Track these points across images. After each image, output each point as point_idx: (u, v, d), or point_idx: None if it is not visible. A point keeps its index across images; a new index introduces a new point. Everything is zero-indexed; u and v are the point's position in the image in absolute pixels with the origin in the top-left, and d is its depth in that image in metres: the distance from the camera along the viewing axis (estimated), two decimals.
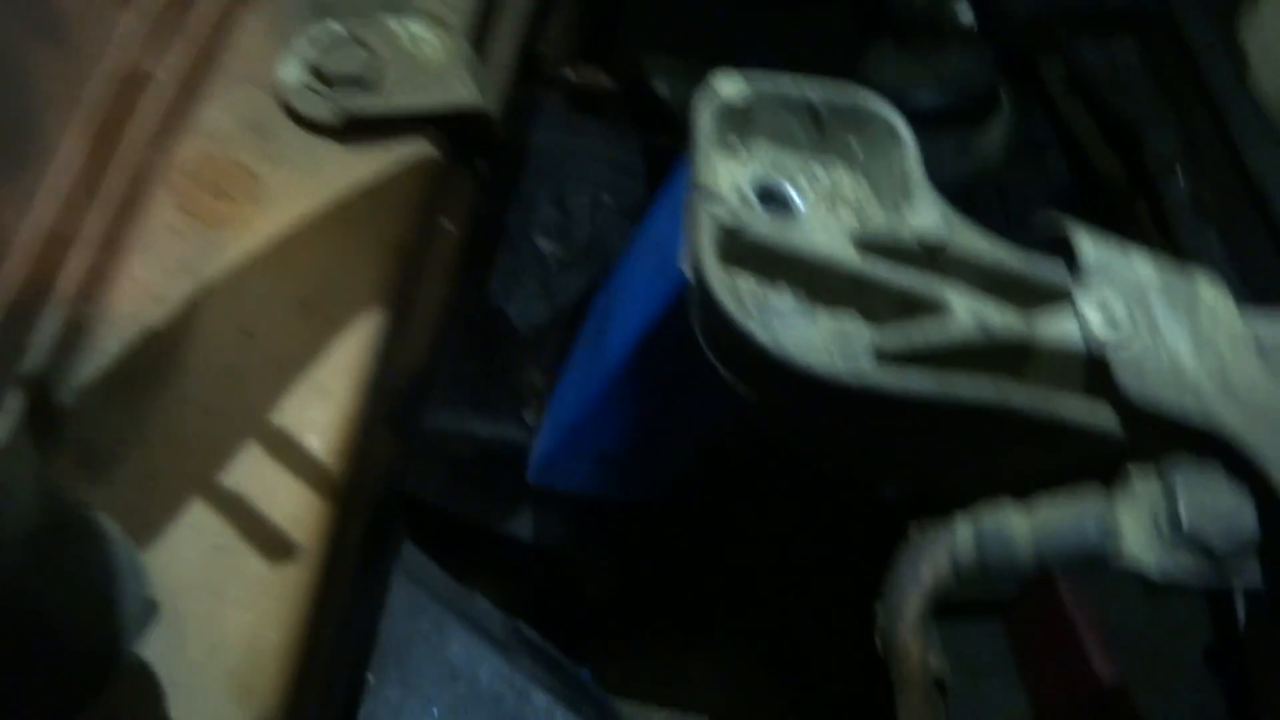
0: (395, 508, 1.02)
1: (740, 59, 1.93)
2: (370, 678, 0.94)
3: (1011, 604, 1.64)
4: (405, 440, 1.01)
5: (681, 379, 0.86)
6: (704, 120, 0.75)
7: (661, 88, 1.81)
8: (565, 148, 1.44)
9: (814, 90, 0.78)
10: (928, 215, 0.72)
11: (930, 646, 0.70)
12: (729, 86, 0.77)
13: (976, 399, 0.62)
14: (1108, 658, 1.46)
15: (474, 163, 0.94)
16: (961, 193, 1.78)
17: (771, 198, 0.83)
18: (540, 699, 0.98)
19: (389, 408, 0.84)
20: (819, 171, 0.83)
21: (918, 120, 1.72)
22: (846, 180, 0.83)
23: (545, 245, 1.33)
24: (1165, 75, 1.56)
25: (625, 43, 2.04)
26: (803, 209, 0.81)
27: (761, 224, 0.69)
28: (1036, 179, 1.79)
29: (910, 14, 1.66)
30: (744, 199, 0.71)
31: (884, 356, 0.63)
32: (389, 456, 0.87)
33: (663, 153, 1.91)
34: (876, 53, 1.73)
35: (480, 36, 0.98)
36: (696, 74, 1.81)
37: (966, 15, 1.65)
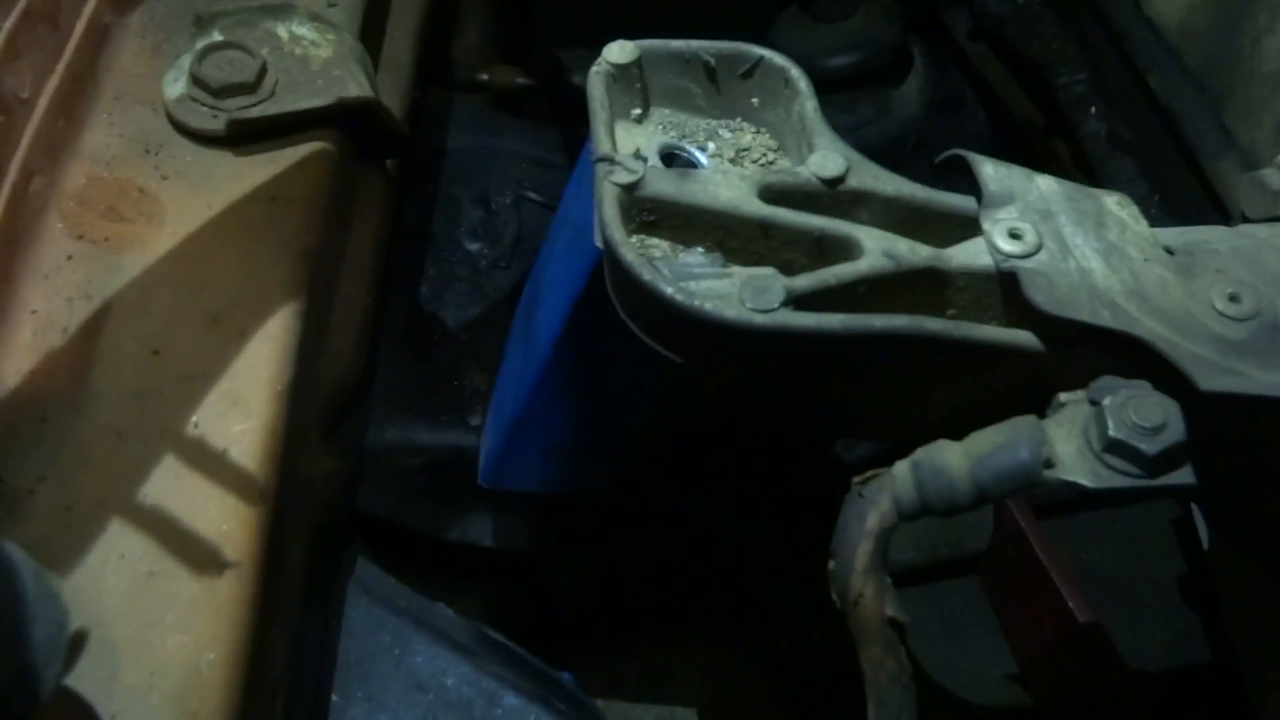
0: (341, 523, 1.01)
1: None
2: (335, 698, 0.92)
3: (986, 559, 1.66)
4: (346, 453, 0.99)
5: (612, 354, 0.86)
6: (598, 90, 0.74)
7: (578, 79, 1.81)
8: (486, 149, 1.43)
9: (701, 45, 0.78)
10: (829, 156, 0.72)
11: (884, 591, 0.70)
12: (617, 51, 0.77)
13: (892, 328, 0.62)
14: (1082, 599, 1.48)
15: (380, 160, 0.93)
16: (885, 151, 1.81)
17: (676, 161, 0.83)
18: (511, 700, 0.96)
19: (317, 416, 0.82)
20: (723, 132, 0.83)
21: (834, 85, 1.75)
22: (750, 136, 0.83)
23: (473, 246, 1.32)
24: (1068, 12, 1.58)
25: (541, 41, 2.03)
26: (707, 167, 0.81)
27: (662, 182, 0.69)
28: (957, 131, 1.81)
29: None
30: (646, 159, 0.70)
31: (799, 300, 0.63)
32: (326, 469, 0.86)
33: (585, 141, 1.92)
34: (786, 22, 1.74)
35: (372, 36, 0.97)
36: None
37: None
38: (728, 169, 0.70)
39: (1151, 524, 1.64)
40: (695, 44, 0.79)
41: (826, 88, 1.79)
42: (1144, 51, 1.34)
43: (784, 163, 0.82)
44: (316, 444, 0.82)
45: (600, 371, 0.92)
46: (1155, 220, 1.44)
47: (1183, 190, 1.34)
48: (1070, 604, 1.48)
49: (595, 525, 1.32)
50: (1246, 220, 1.00)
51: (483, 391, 1.20)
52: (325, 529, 0.86)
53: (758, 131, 0.83)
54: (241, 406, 0.68)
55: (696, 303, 0.62)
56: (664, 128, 0.82)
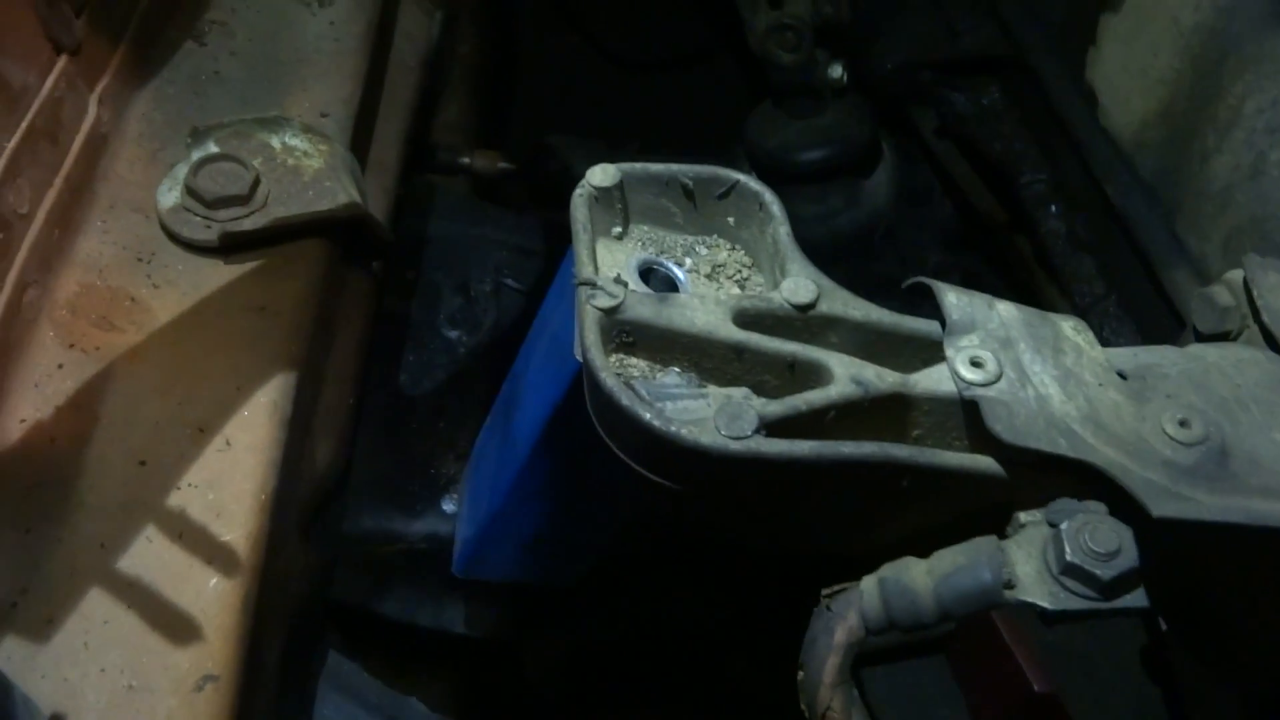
0: (317, 619, 1.01)
1: (632, 132, 1.98)
2: None
3: (953, 638, 1.68)
4: (323, 548, 1.00)
5: (589, 460, 0.88)
6: (580, 212, 0.78)
7: (556, 164, 1.86)
8: (467, 237, 1.46)
9: (680, 169, 0.82)
10: (800, 282, 0.75)
11: (851, 704, 0.72)
12: (599, 175, 0.80)
13: (860, 456, 0.65)
14: (1041, 671, 1.50)
15: (367, 263, 0.96)
16: (855, 241, 1.86)
17: (655, 278, 0.86)
18: None
19: (297, 517, 0.83)
20: (700, 248, 0.87)
21: (806, 177, 1.81)
22: (726, 253, 0.86)
23: (452, 334, 1.34)
24: (1028, 115, 1.65)
25: (520, 126, 2.08)
26: (685, 284, 0.84)
27: (641, 306, 0.72)
28: (924, 222, 1.87)
29: (785, 77, 1.73)
30: (627, 284, 0.73)
31: (771, 425, 0.66)
32: (304, 566, 0.87)
33: (564, 229, 1.96)
34: (760, 117, 1.80)
35: (361, 141, 1.00)
36: (591, 149, 1.87)
37: (838, 73, 1.73)
38: (704, 293, 0.73)
39: None
40: (675, 168, 0.82)
41: (799, 179, 1.86)
42: (1100, 160, 1.40)
43: (757, 278, 0.85)
44: (295, 543, 0.83)
45: (577, 473, 0.94)
46: (1111, 320, 1.50)
47: (1138, 292, 1.39)
48: (1029, 674, 1.50)
49: (566, 611, 1.33)
50: (1197, 332, 1.05)
51: (458, 479, 1.21)
52: (301, 624, 0.87)
53: (733, 248, 0.87)
54: (226, 518, 0.69)
55: (674, 429, 0.65)
56: (643, 244, 0.85)
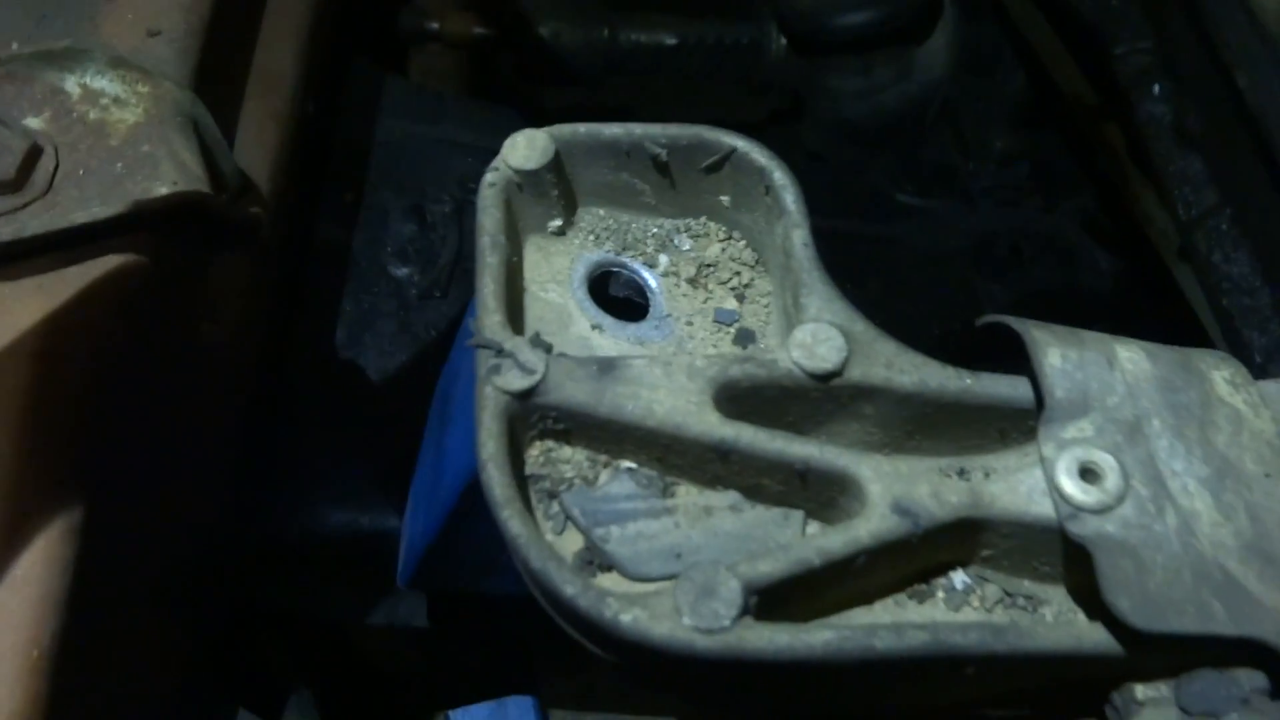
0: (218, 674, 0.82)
1: None
2: None
3: None
4: (214, 606, 0.81)
5: None
6: (489, 216, 0.51)
7: (545, 30, 1.54)
8: (421, 140, 1.18)
9: (645, 133, 0.55)
10: (820, 334, 0.49)
11: None
12: (521, 149, 0.54)
13: (903, 650, 0.42)
14: None
15: (235, 241, 0.71)
16: (904, 120, 1.54)
17: (616, 283, 0.60)
18: None
19: (149, 598, 0.63)
20: (680, 238, 0.60)
21: (848, 45, 1.48)
22: (718, 246, 0.60)
23: (401, 271, 1.09)
24: None
25: None
26: (658, 296, 0.58)
27: (572, 384, 0.47)
28: (990, 97, 1.54)
29: None
30: (563, 311, 0.48)
31: (764, 595, 0.42)
32: (176, 642, 0.67)
33: (549, 114, 1.65)
34: None
35: (227, 56, 0.73)
36: (585, 11, 1.53)
37: None
38: (670, 359, 0.48)
39: None
40: (639, 130, 0.55)
41: (838, 48, 1.53)
42: (1229, 34, 1.07)
43: (763, 284, 0.59)
44: (153, 627, 0.63)
45: None
46: (1224, 241, 1.21)
47: (1264, 209, 1.10)
48: None
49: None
50: None
51: (408, 461, 0.99)
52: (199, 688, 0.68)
53: (729, 239, 0.60)
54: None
55: (609, 615, 0.41)
56: (596, 237, 0.59)
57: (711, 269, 0.60)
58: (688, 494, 0.49)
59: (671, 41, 1.54)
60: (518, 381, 0.46)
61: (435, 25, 1.51)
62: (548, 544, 0.43)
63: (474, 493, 0.69)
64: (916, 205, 1.49)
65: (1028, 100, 1.50)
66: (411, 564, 0.90)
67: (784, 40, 1.51)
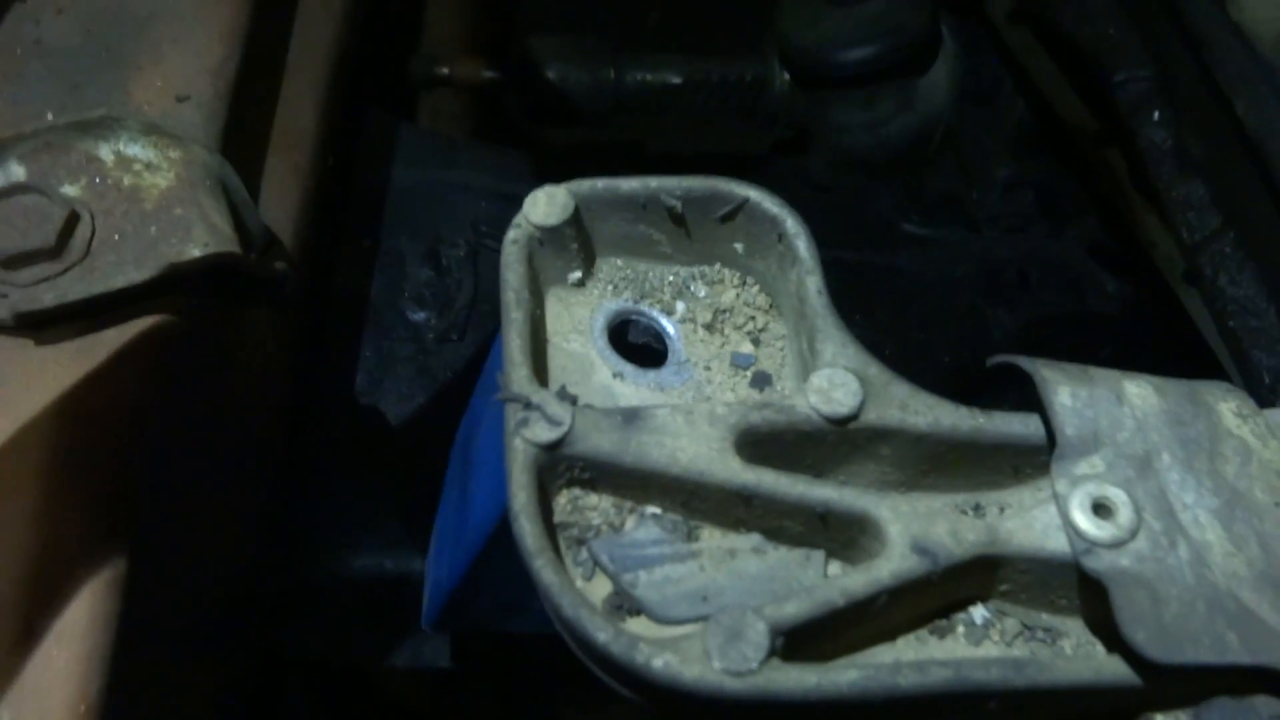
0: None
1: (646, 25, 1.67)
2: None
3: None
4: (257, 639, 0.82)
5: None
6: (513, 273, 0.53)
7: (552, 72, 1.57)
8: (436, 185, 1.21)
9: (661, 185, 0.57)
10: (837, 379, 0.51)
11: None
12: (542, 205, 0.55)
13: (928, 687, 0.43)
14: None
15: (263, 296, 0.73)
16: (908, 151, 1.57)
17: (636, 330, 0.62)
18: None
19: (186, 647, 0.64)
20: (696, 285, 0.62)
21: (851, 80, 1.50)
22: (734, 292, 0.62)
23: (419, 316, 1.11)
24: None
25: (519, 33, 1.78)
26: (676, 342, 0.60)
27: (598, 435, 0.48)
28: (992, 126, 1.56)
29: None
30: (575, 400, 0.50)
31: (790, 636, 0.44)
32: (211, 683, 0.68)
33: (556, 152, 1.68)
34: (793, 5, 1.48)
35: (252, 116, 0.76)
36: (591, 54, 1.56)
37: None
38: (692, 407, 0.50)
39: None
40: (654, 185, 0.57)
41: (842, 83, 1.56)
42: (1227, 61, 1.09)
43: (777, 328, 0.61)
44: (185, 674, 0.64)
45: None
46: (1228, 264, 1.22)
47: (1268, 232, 1.11)
48: None
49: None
50: None
51: (431, 501, 1.01)
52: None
53: (743, 284, 0.62)
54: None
55: (641, 660, 0.43)
56: (615, 287, 0.61)
57: (727, 314, 0.61)
58: (711, 537, 0.51)
59: (676, 80, 1.57)
60: (546, 434, 0.48)
61: (445, 70, 1.54)
62: (579, 592, 0.44)
63: (500, 536, 0.71)
64: (922, 234, 1.51)
65: (1029, 129, 1.52)
66: (437, 605, 0.91)
67: (787, 76, 1.54)
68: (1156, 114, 1.28)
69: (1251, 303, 1.16)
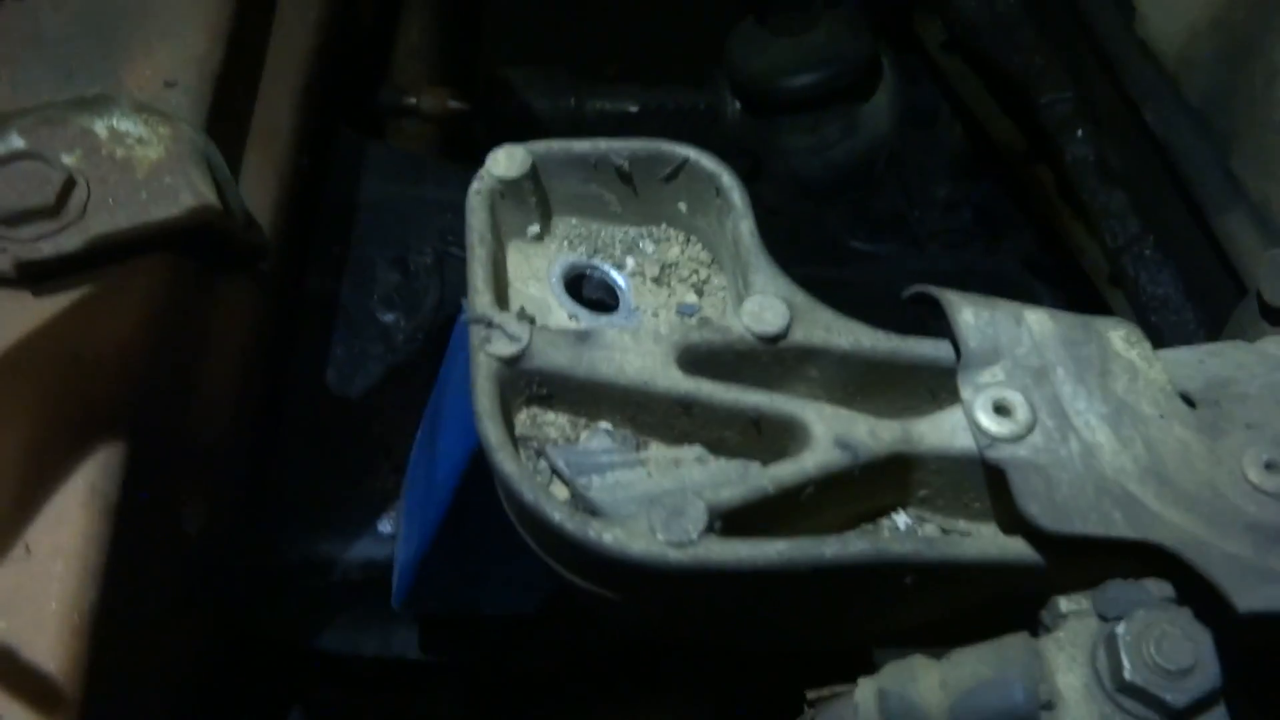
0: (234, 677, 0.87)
1: (604, 57, 1.75)
2: None
3: None
4: (231, 603, 0.85)
5: None
6: (478, 217, 0.59)
7: (515, 101, 1.65)
8: (402, 200, 1.26)
9: (611, 146, 0.63)
10: (766, 303, 0.57)
11: None
12: (503, 161, 0.62)
13: (848, 558, 0.49)
14: None
15: (248, 265, 0.78)
16: (854, 173, 1.66)
17: (590, 284, 0.68)
18: None
19: (160, 604, 0.68)
20: (645, 243, 0.69)
21: (797, 105, 1.59)
22: (678, 249, 0.68)
23: (388, 317, 1.16)
24: (1050, 23, 1.43)
25: (485, 62, 1.86)
26: (627, 292, 0.66)
27: (554, 351, 0.54)
28: (931, 149, 1.66)
29: None
30: (533, 319, 0.55)
31: (726, 518, 0.49)
32: (187, 647, 0.72)
33: None
34: (742, 36, 1.58)
35: (232, 109, 0.81)
36: (556, 82, 1.64)
37: None
38: (637, 327, 0.55)
39: None
40: (604, 145, 0.63)
41: (789, 108, 1.65)
42: (1136, 79, 1.19)
43: (718, 280, 0.67)
44: (160, 632, 0.68)
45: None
46: (1148, 265, 1.31)
47: (1181, 233, 1.20)
48: None
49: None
50: (1264, 305, 0.87)
51: (396, 493, 1.05)
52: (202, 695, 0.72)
53: (687, 241, 0.68)
54: (29, 649, 0.53)
55: (592, 535, 0.48)
56: (570, 243, 0.67)
57: (673, 268, 0.68)
58: (658, 449, 0.56)
59: (634, 109, 1.65)
60: (507, 348, 0.53)
61: (413, 100, 1.61)
62: (537, 480, 0.49)
63: (466, 489, 0.75)
64: (869, 251, 1.59)
65: (966, 150, 1.62)
66: (406, 582, 0.95)
67: (738, 104, 1.63)
68: (1080, 131, 1.38)
69: (1170, 299, 1.25)
